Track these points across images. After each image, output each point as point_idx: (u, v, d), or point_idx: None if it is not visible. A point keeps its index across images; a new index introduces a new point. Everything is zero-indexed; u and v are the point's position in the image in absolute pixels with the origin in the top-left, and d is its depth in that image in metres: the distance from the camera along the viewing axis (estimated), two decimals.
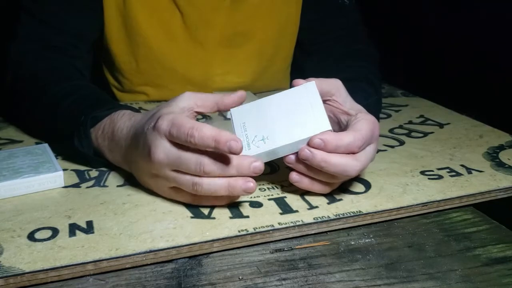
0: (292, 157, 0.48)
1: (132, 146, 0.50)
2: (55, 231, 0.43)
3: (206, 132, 0.43)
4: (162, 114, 0.46)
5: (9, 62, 0.69)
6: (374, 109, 0.62)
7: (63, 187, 0.52)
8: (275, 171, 0.57)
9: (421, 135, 0.70)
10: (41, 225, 0.44)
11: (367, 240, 0.46)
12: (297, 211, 0.48)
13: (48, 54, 0.68)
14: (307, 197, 0.51)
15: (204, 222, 0.46)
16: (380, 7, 1.25)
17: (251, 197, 0.50)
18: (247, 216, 0.47)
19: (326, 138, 0.46)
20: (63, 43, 0.70)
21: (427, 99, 0.88)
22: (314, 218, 0.47)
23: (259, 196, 0.51)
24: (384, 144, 0.66)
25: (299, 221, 0.46)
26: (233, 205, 0.48)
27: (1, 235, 0.43)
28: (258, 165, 0.45)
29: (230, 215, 0.47)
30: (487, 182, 0.55)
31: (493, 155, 0.63)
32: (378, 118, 0.67)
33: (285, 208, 0.48)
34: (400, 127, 0.74)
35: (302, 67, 0.89)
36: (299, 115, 0.48)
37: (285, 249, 0.44)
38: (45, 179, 0.51)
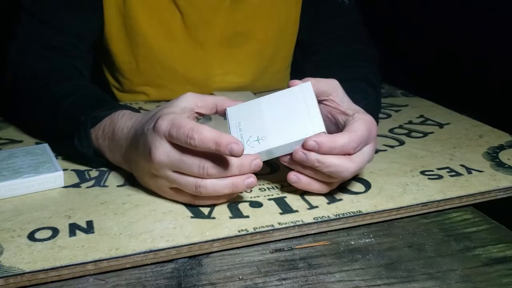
0: (288, 157, 0.48)
1: (132, 146, 0.50)
2: (55, 231, 0.43)
3: (207, 135, 0.43)
4: (162, 114, 0.46)
5: (9, 62, 0.69)
6: (373, 109, 0.62)
7: (63, 187, 0.52)
8: (275, 171, 0.57)
9: (421, 135, 0.70)
10: (41, 225, 0.44)
11: (367, 240, 0.46)
12: (297, 211, 0.48)
13: (48, 54, 0.68)
14: (307, 197, 0.51)
15: (204, 222, 0.46)
16: (380, 7, 1.25)
17: (251, 197, 0.50)
18: (247, 216, 0.47)
19: (320, 140, 0.46)
20: (63, 43, 0.70)
21: (427, 99, 0.88)
22: (314, 218, 0.47)
23: (259, 196, 0.51)
24: (384, 144, 0.66)
25: (299, 221, 0.46)
26: (233, 205, 0.49)
27: (1, 235, 0.43)
28: (258, 163, 0.46)
29: (230, 215, 0.47)
30: (487, 182, 0.55)
31: (493, 155, 0.63)
32: (377, 118, 0.67)
33: (285, 208, 0.48)
34: (400, 127, 0.74)
35: (302, 67, 0.89)
36: (294, 116, 0.48)
37: (285, 249, 0.44)
38: (45, 179, 0.51)
